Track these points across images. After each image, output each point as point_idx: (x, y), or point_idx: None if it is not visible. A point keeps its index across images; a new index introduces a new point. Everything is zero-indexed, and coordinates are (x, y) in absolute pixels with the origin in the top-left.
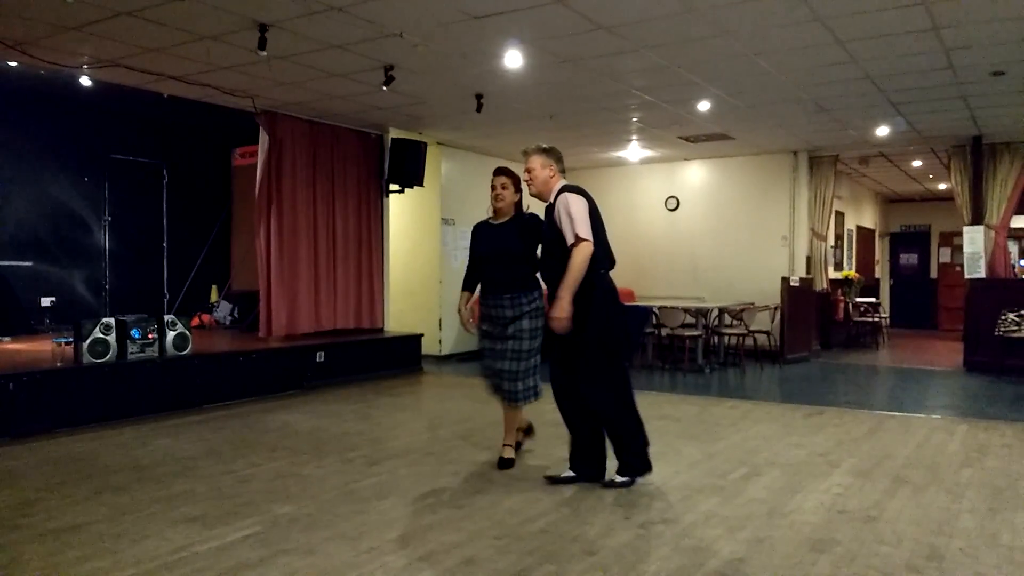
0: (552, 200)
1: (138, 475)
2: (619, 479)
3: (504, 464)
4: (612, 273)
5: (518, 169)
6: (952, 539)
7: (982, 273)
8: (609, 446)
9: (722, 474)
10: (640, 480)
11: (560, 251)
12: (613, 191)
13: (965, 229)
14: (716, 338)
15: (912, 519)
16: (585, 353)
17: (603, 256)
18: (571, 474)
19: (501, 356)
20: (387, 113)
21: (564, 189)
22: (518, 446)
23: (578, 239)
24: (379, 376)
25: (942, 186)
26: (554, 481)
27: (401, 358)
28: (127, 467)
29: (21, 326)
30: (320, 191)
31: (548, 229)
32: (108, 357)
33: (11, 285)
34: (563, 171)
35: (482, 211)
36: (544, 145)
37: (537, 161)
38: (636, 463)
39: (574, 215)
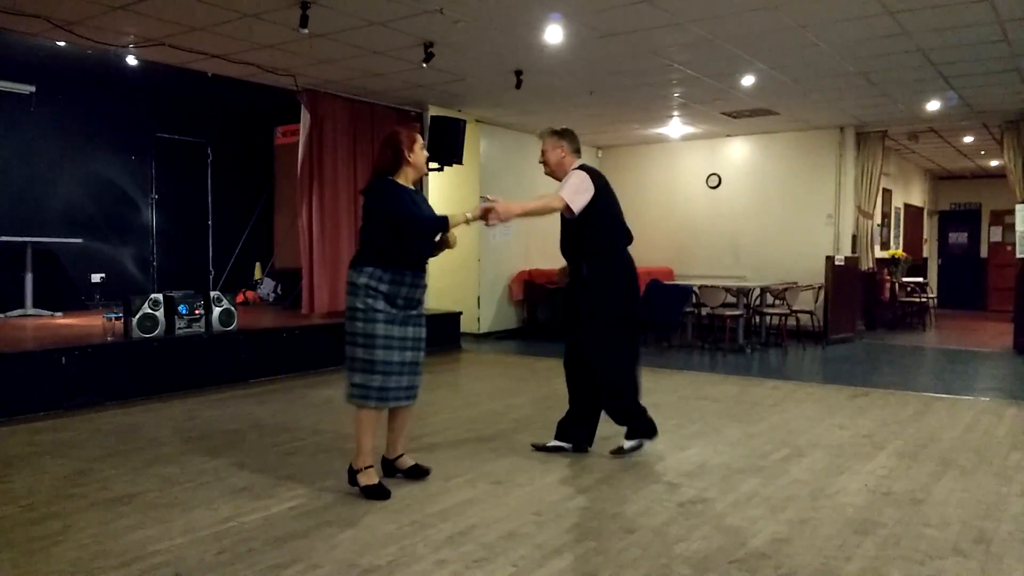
0: None
1: (187, 447)
2: (627, 444)
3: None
4: (649, 250)
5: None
6: (1001, 523)
7: None
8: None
9: (763, 455)
10: (647, 443)
11: (574, 227)
12: (653, 168)
13: (1018, 207)
14: (758, 318)
15: (959, 502)
16: (587, 323)
17: (620, 233)
18: (557, 443)
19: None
20: (426, 91)
21: (575, 168)
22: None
23: (556, 196)
24: None
25: (994, 163)
26: (539, 449)
27: (440, 336)
28: (176, 439)
29: (72, 302)
30: (361, 169)
31: None
32: (156, 332)
33: (62, 262)
34: (577, 151)
35: (523, 188)
36: (556, 128)
37: (548, 144)
38: (642, 427)
39: (567, 184)
